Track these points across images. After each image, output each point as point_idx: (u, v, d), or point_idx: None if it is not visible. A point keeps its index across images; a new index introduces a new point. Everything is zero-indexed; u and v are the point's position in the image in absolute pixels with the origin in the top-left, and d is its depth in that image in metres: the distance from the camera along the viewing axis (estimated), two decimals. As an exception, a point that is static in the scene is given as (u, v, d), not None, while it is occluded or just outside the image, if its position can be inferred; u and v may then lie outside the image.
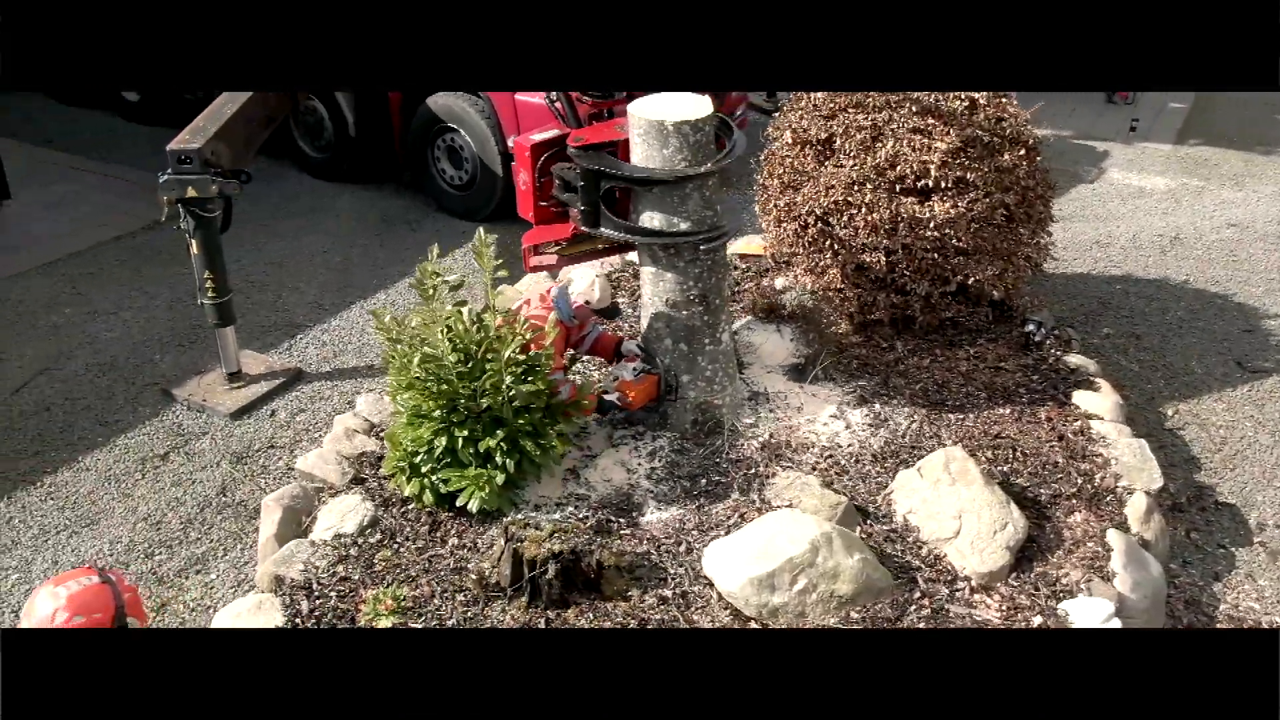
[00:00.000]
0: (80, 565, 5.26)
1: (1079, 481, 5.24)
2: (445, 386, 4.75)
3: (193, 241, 6.22)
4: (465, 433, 4.78)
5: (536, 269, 5.51)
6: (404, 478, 4.96)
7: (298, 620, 4.48)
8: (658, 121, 4.90)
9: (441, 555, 4.79)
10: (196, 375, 6.77)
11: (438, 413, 4.80)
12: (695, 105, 4.99)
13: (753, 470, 5.23)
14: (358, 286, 7.95)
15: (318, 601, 4.57)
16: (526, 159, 5.23)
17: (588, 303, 5.09)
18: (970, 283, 6.07)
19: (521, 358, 4.80)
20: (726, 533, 4.83)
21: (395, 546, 4.85)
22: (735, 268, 7.24)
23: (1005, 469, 5.30)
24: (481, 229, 4.80)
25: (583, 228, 5.20)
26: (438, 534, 4.91)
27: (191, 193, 6.02)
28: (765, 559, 4.48)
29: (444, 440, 4.80)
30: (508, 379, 4.73)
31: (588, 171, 5.05)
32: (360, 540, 4.89)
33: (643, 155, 5.02)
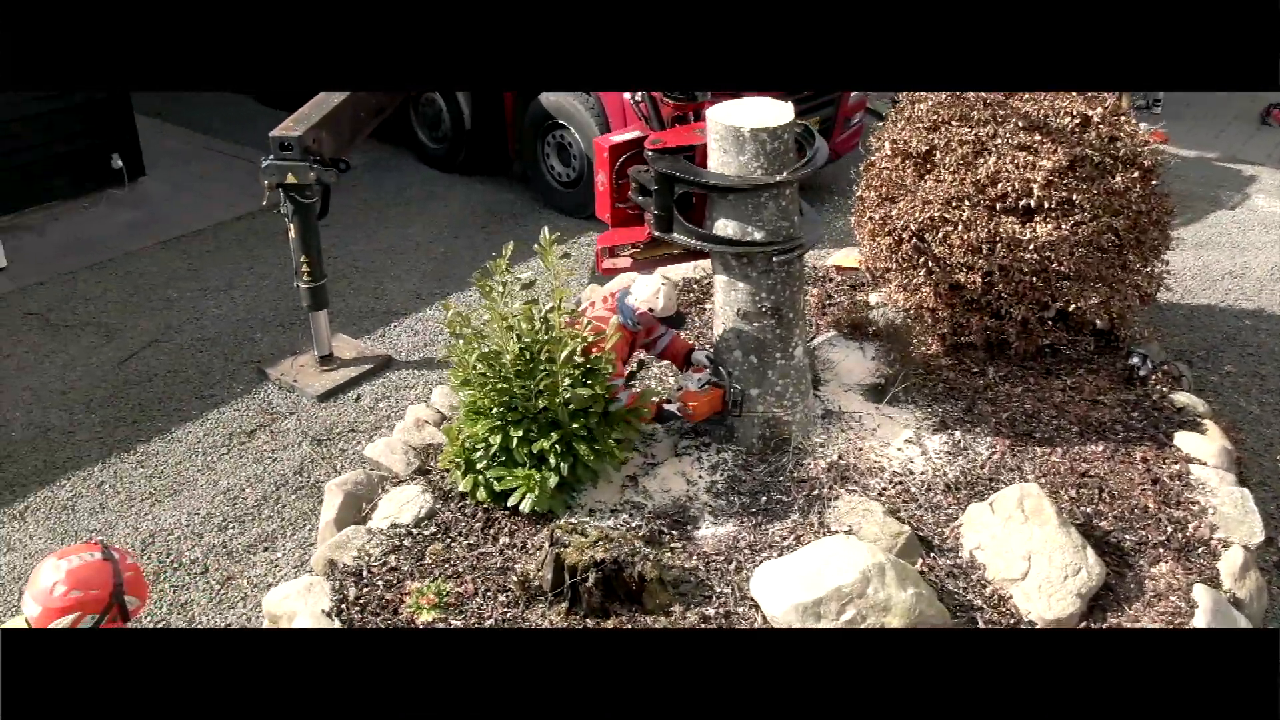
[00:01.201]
0: (156, 535, 5.47)
1: (1169, 530, 4.89)
2: (503, 384, 4.73)
3: (290, 226, 6.40)
4: (520, 432, 4.76)
5: (609, 271, 5.45)
6: (459, 473, 4.97)
7: (343, 606, 4.54)
8: (734, 127, 4.78)
9: (490, 553, 4.78)
10: (291, 356, 6.96)
11: (495, 410, 4.79)
12: (775, 112, 4.84)
13: (816, 491, 5.05)
14: (456, 278, 8.03)
15: (365, 589, 4.61)
16: (605, 160, 5.17)
17: (651, 310, 4.98)
18: (1072, 309, 5.73)
19: (581, 360, 4.75)
20: (780, 554, 4.68)
21: (448, 541, 4.86)
22: (830, 280, 7.04)
23: (1088, 510, 4.98)
24: (545, 229, 4.77)
25: (655, 232, 5.11)
26: (490, 531, 4.90)
27: (290, 178, 6.19)
28: (814, 585, 4.32)
29: (499, 438, 4.79)
30: (565, 381, 4.69)
31: (661, 175, 4.95)
32: (415, 531, 4.92)
33: (719, 161, 4.90)
